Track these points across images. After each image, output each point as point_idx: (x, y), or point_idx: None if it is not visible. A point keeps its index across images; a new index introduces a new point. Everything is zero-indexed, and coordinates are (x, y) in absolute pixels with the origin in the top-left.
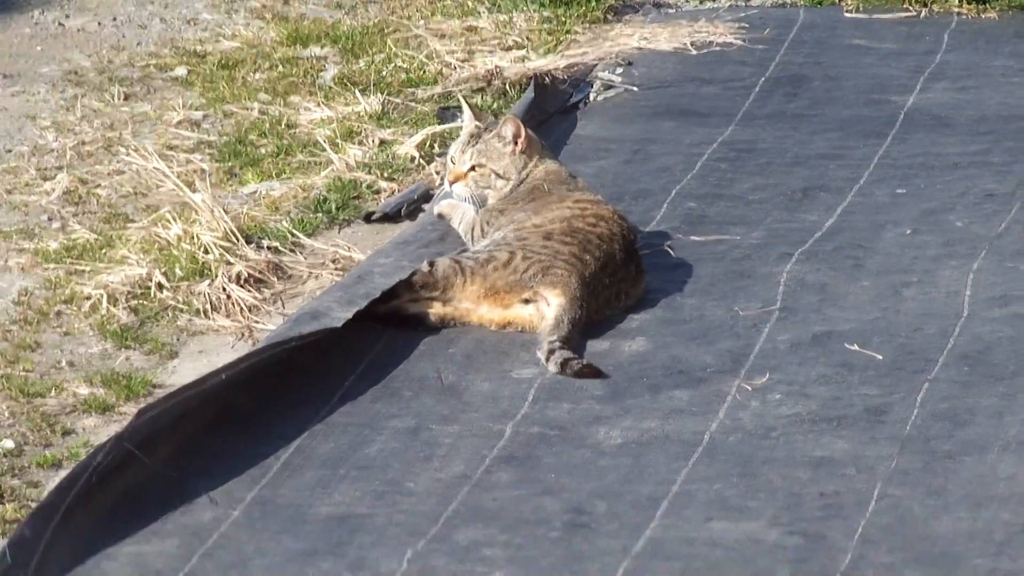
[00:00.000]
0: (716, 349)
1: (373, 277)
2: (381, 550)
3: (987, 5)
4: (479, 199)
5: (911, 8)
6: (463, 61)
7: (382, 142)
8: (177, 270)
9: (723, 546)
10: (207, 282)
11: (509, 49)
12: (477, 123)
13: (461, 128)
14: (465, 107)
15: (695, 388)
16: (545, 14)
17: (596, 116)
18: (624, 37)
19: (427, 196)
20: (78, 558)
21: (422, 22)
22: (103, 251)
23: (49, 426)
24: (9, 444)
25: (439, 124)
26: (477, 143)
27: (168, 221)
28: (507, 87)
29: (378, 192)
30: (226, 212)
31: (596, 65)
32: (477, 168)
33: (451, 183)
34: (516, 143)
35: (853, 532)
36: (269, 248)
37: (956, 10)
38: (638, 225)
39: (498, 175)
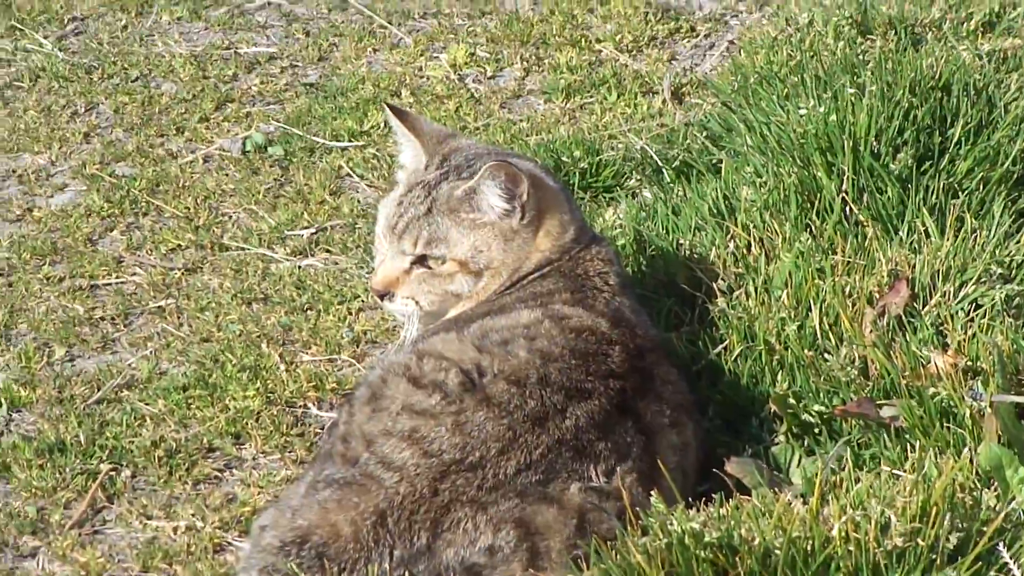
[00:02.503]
0: None
1: None
2: None
3: None
4: (435, 314)
5: None
6: None
7: None
8: None
9: None
10: None
11: None
12: (426, 156)
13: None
14: (396, 123)
15: None
16: None
17: None
18: None
19: None
20: None
21: None
22: None
23: None
24: None
25: None
26: (429, 208)
27: None
28: None
29: None
30: None
31: None
32: (431, 261)
33: (378, 292)
34: (517, 206)
35: None
36: None
37: None
38: None
39: (473, 271)
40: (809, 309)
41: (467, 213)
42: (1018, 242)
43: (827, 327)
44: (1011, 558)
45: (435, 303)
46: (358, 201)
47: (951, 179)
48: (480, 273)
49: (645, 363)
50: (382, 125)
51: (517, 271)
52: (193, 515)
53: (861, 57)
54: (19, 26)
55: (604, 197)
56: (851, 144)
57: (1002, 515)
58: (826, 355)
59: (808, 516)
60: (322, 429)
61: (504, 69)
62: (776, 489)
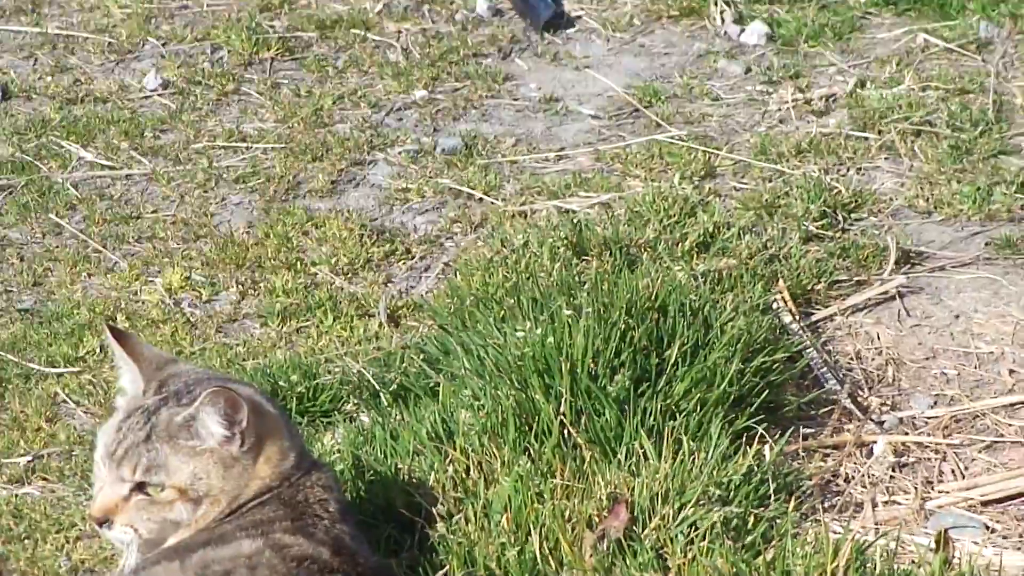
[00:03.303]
0: None
1: None
2: None
3: None
4: (155, 542)
5: None
6: None
7: None
8: None
9: None
10: None
11: None
12: (143, 381)
13: None
14: (115, 346)
15: None
16: None
17: None
18: None
19: None
20: None
21: None
22: None
23: None
24: None
25: None
26: (148, 434)
27: None
28: None
29: None
30: None
31: None
32: (150, 488)
33: (97, 520)
34: (237, 432)
35: None
36: None
37: None
38: None
39: (192, 499)
40: (529, 534)
41: (186, 440)
42: (736, 463)
43: (547, 552)
44: None
45: (154, 531)
46: (75, 428)
47: (669, 400)
48: (200, 501)
49: None
50: (98, 350)
51: (237, 498)
52: None
53: (577, 278)
54: None
55: (322, 421)
56: (568, 366)
57: None
58: None
59: None
60: None
61: (220, 293)
62: None
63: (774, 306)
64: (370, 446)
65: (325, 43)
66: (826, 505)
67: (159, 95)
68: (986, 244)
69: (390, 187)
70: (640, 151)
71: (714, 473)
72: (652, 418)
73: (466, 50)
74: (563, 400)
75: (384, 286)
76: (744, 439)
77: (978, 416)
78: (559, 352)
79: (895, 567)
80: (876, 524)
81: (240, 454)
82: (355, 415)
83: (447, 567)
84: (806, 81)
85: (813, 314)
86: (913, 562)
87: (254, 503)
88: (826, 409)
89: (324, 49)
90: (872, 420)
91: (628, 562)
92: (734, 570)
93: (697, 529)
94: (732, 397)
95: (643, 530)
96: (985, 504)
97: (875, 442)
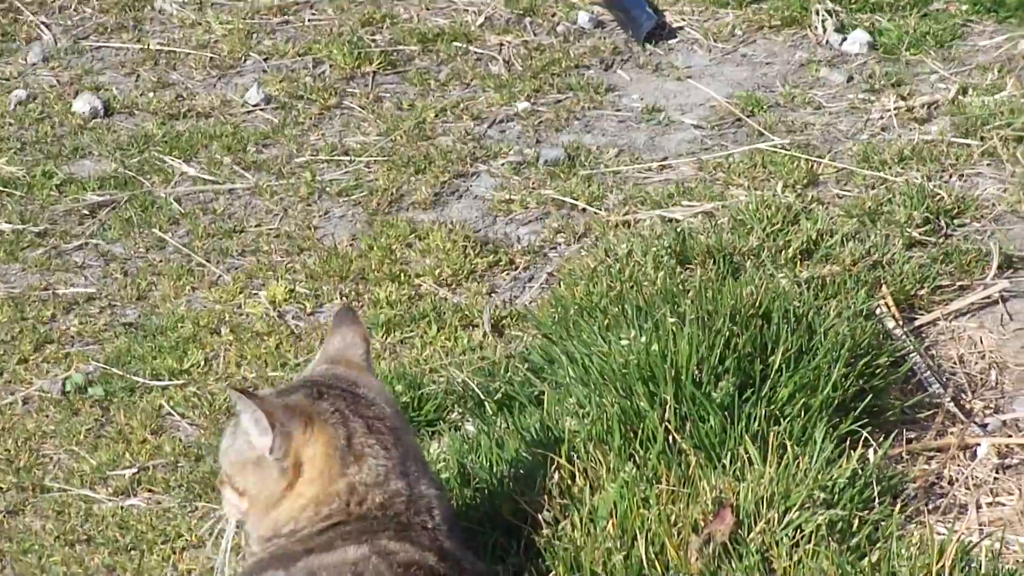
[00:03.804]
0: None
1: None
2: None
3: None
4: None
5: None
6: None
7: None
8: None
9: None
10: None
11: None
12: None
13: None
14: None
15: None
16: None
17: None
18: None
19: None
20: None
21: None
22: None
23: None
24: None
25: None
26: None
27: None
28: None
29: None
30: None
31: None
32: (228, 481)
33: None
34: (270, 439)
35: None
36: None
37: None
38: None
39: (236, 489)
40: (635, 538)
41: (233, 430)
42: (840, 467)
43: (653, 556)
44: None
45: (226, 511)
46: (180, 440)
47: (773, 406)
48: (243, 495)
49: None
50: (202, 363)
51: (275, 505)
52: None
53: (681, 286)
54: None
55: (427, 431)
56: (673, 373)
57: None
58: None
59: None
60: None
61: (324, 305)
62: None
63: (877, 312)
64: (475, 454)
65: (427, 56)
66: (930, 507)
67: (261, 109)
68: None
69: (493, 198)
70: (743, 160)
71: (819, 477)
72: (756, 423)
73: (568, 62)
74: (667, 407)
75: (488, 296)
76: (848, 443)
77: None
78: (663, 359)
79: (1000, 567)
80: (980, 525)
81: (273, 460)
82: (460, 424)
83: (553, 572)
84: (908, 89)
85: (916, 319)
86: (1018, 562)
87: (326, 522)
88: (929, 413)
89: (426, 62)
90: (975, 423)
91: (734, 565)
92: (840, 572)
93: (802, 532)
94: (836, 402)
95: (748, 534)
96: None
97: (979, 444)
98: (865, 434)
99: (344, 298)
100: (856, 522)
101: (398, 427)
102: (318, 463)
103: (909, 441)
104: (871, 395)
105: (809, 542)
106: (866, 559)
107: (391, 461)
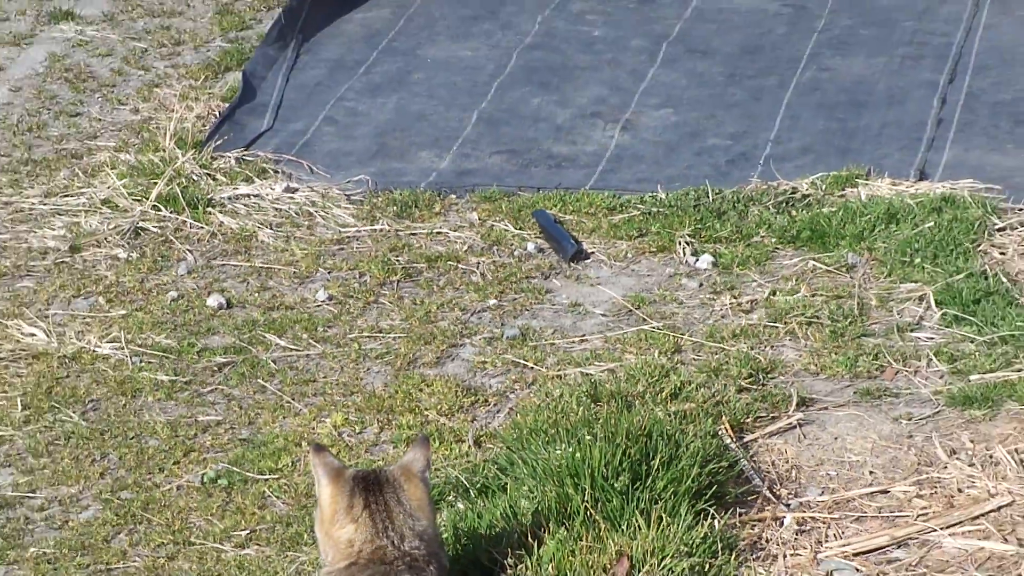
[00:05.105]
0: None
1: None
2: (521, 16)
3: None
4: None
5: None
6: None
7: None
8: None
9: (740, 11)
10: None
11: None
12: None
13: None
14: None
15: None
16: None
17: None
18: None
19: None
20: (328, 20)
21: None
22: None
23: None
24: None
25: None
26: None
27: None
28: None
29: None
30: None
31: None
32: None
33: None
34: (321, 496)
35: (825, 5)
36: None
37: None
38: None
39: (315, 531)
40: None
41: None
42: (696, 531)
43: None
44: None
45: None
46: (276, 513)
47: (653, 492)
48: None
49: None
50: (290, 464)
51: (330, 549)
52: None
53: (594, 416)
54: (55, 404)
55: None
56: (589, 471)
57: None
58: None
59: None
60: None
61: (367, 428)
62: None
63: (719, 433)
64: (464, 522)
65: (431, 270)
66: (753, 557)
67: (326, 304)
68: (854, 393)
69: (474, 360)
70: (632, 336)
71: (683, 537)
72: (643, 503)
73: (521, 274)
74: (586, 493)
75: (471, 423)
76: (702, 516)
77: (850, 500)
78: (583, 463)
79: None
80: (786, 569)
81: (324, 516)
82: (453, 503)
83: None
84: (738, 291)
85: (744, 438)
86: None
87: (352, 565)
88: (753, 496)
89: (431, 274)
90: (783, 504)
91: None
92: None
93: (672, 573)
94: (694, 490)
95: (639, 573)
96: (855, 555)
97: (785, 517)
98: (712, 511)
99: (379, 424)
100: (707, 566)
101: (395, 510)
102: (327, 513)
103: (740, 515)
104: (715, 486)
105: None
106: None
107: (376, 528)
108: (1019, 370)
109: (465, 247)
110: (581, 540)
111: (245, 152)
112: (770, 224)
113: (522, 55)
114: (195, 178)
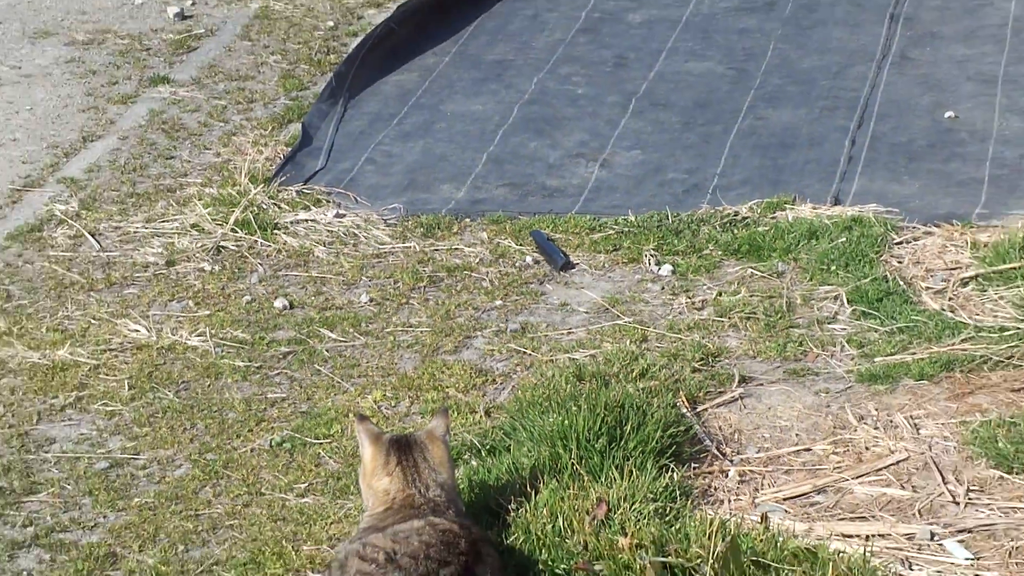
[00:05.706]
0: None
1: None
2: (520, 78)
3: None
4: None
5: None
6: None
7: None
8: None
9: (693, 75)
10: None
11: None
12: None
13: None
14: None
15: None
16: None
17: None
18: None
19: None
20: (369, 82)
21: None
22: None
23: (351, 13)
24: (330, 23)
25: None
26: None
27: None
28: None
29: None
30: None
31: None
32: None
33: None
34: (366, 453)
35: (760, 68)
36: None
37: None
38: None
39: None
40: (557, 517)
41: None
42: (659, 481)
43: (565, 526)
44: None
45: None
46: (328, 470)
47: (625, 451)
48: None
49: (478, 546)
50: (340, 431)
51: (369, 497)
52: None
53: (579, 391)
54: (155, 385)
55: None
56: (575, 435)
57: None
58: (565, 540)
59: None
60: None
61: (400, 402)
62: None
63: (677, 404)
64: (476, 476)
65: (451, 278)
66: (704, 502)
67: (367, 305)
68: (783, 372)
69: (484, 349)
70: (609, 329)
71: (649, 487)
72: (618, 460)
73: (521, 280)
74: (572, 452)
75: (483, 397)
76: (664, 470)
77: (780, 457)
78: (570, 428)
79: (740, 531)
80: (730, 511)
81: (366, 471)
82: (468, 461)
83: (515, 534)
84: (692, 293)
85: (697, 408)
86: (750, 529)
87: (388, 509)
88: (704, 454)
89: (450, 281)
90: (728, 460)
91: (607, 531)
92: (659, 533)
93: (641, 514)
94: (657, 450)
95: (615, 514)
96: (785, 499)
97: (729, 470)
98: (672, 465)
99: (410, 399)
100: (668, 509)
101: (421, 466)
102: (368, 468)
103: (694, 469)
104: (675, 446)
105: (645, 520)
106: (673, 527)
107: (407, 480)
108: (913, 354)
109: (477, 259)
110: (569, 489)
111: (304, 186)
112: (717, 240)
113: (522, 108)
114: (264, 207)
